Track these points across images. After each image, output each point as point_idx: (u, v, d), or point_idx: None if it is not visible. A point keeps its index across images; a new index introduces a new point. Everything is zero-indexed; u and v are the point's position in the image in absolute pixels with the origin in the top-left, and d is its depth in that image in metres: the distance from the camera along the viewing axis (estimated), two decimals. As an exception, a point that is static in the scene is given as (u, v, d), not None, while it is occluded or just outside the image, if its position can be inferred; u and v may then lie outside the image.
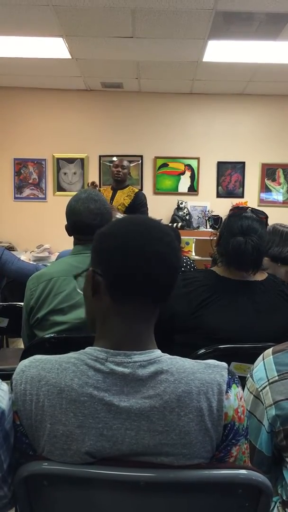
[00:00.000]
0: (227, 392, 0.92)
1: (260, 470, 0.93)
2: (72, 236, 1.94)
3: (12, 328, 2.53)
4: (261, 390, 1.17)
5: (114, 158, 6.04)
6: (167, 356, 0.94)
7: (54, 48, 4.49)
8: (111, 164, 4.69)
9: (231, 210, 1.83)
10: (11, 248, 5.32)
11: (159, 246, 0.92)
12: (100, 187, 5.13)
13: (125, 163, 4.65)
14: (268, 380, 1.17)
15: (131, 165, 6.07)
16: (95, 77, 5.48)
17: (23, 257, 4.48)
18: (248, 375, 1.23)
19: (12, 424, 0.95)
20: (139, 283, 0.92)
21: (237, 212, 1.77)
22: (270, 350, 1.22)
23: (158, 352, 0.94)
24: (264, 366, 1.20)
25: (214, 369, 0.94)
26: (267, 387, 1.16)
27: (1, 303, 2.86)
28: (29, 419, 0.93)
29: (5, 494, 0.98)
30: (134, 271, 0.91)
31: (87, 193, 1.92)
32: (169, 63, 4.89)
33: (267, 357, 1.21)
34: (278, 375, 1.16)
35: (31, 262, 4.26)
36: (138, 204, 4.42)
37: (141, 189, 6.06)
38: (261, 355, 1.23)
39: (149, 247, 0.92)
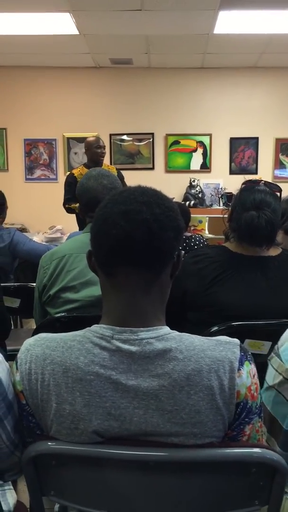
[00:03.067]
0: (239, 369, 0.89)
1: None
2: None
3: (24, 309, 2.53)
4: None
5: (124, 137, 5.97)
6: (175, 333, 0.91)
7: (61, 24, 4.40)
8: (95, 145, 4.40)
9: (243, 184, 1.77)
10: (23, 230, 5.32)
11: (139, 213, 0.88)
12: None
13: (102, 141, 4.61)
14: None
15: (143, 143, 6.00)
16: (103, 54, 5.38)
17: (36, 238, 4.48)
18: (273, 354, 1.18)
19: (14, 394, 0.94)
20: (118, 251, 0.88)
21: (250, 185, 1.72)
22: None
23: (166, 329, 0.91)
24: None
25: (226, 346, 0.91)
26: None
27: (13, 284, 2.87)
28: (35, 398, 0.91)
29: (19, 458, 0.98)
30: (110, 240, 0.88)
31: (97, 170, 1.95)
32: (179, 36, 4.77)
33: None
34: None
35: (43, 243, 4.26)
36: (121, 180, 4.50)
37: (153, 168, 6.01)
38: (287, 331, 1.16)
39: (127, 215, 0.88)
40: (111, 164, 5.80)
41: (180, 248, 0.97)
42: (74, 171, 4.58)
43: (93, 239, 0.93)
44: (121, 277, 0.90)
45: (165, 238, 0.89)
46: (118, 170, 4.62)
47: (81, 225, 4.28)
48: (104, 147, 4.48)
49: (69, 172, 4.83)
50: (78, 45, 5.03)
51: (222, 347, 0.90)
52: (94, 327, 0.92)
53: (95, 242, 0.93)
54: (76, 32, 4.62)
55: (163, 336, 0.89)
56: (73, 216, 4.46)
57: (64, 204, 4.47)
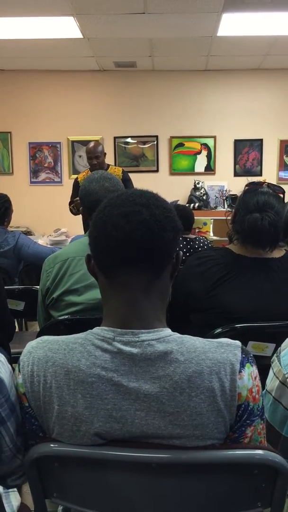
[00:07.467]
0: (240, 371, 0.89)
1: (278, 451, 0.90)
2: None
3: (29, 311, 2.54)
4: None
5: (129, 139, 5.98)
6: (176, 335, 0.91)
7: (65, 27, 4.42)
8: (88, 156, 4.15)
9: (246, 186, 1.77)
10: (28, 233, 5.34)
11: (139, 214, 0.88)
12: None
13: (99, 148, 4.20)
14: None
15: (147, 146, 6.00)
16: (107, 57, 5.40)
17: (41, 241, 4.49)
18: (275, 357, 1.17)
19: (17, 396, 0.94)
20: (119, 252, 0.88)
21: (253, 187, 1.71)
22: None
23: (167, 331, 0.91)
24: None
25: (227, 348, 0.90)
26: None
27: (18, 287, 2.88)
28: (38, 400, 0.92)
29: (21, 462, 0.99)
30: (111, 242, 0.88)
31: (99, 173, 1.94)
32: (182, 39, 4.78)
33: None
34: None
35: (48, 246, 4.27)
36: (127, 181, 4.32)
37: (157, 170, 6.01)
38: None
39: (127, 216, 0.88)
40: (118, 165, 5.80)
41: (178, 249, 0.97)
42: (79, 175, 4.55)
43: (93, 242, 0.93)
44: (121, 278, 0.90)
45: (165, 238, 0.89)
46: (125, 172, 4.49)
47: (87, 228, 4.19)
48: (96, 157, 4.15)
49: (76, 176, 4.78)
50: (82, 48, 5.04)
51: (223, 349, 0.90)
52: (96, 329, 0.92)
53: (95, 245, 0.93)
54: (80, 36, 4.64)
55: (164, 338, 0.89)
56: (78, 218, 4.44)
57: (69, 204, 4.39)
